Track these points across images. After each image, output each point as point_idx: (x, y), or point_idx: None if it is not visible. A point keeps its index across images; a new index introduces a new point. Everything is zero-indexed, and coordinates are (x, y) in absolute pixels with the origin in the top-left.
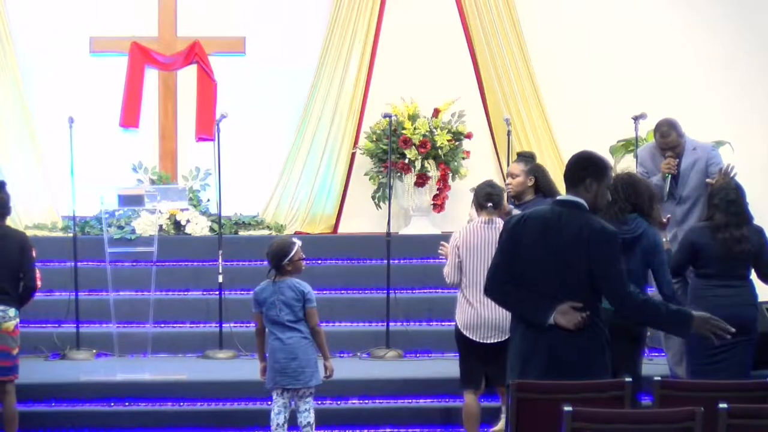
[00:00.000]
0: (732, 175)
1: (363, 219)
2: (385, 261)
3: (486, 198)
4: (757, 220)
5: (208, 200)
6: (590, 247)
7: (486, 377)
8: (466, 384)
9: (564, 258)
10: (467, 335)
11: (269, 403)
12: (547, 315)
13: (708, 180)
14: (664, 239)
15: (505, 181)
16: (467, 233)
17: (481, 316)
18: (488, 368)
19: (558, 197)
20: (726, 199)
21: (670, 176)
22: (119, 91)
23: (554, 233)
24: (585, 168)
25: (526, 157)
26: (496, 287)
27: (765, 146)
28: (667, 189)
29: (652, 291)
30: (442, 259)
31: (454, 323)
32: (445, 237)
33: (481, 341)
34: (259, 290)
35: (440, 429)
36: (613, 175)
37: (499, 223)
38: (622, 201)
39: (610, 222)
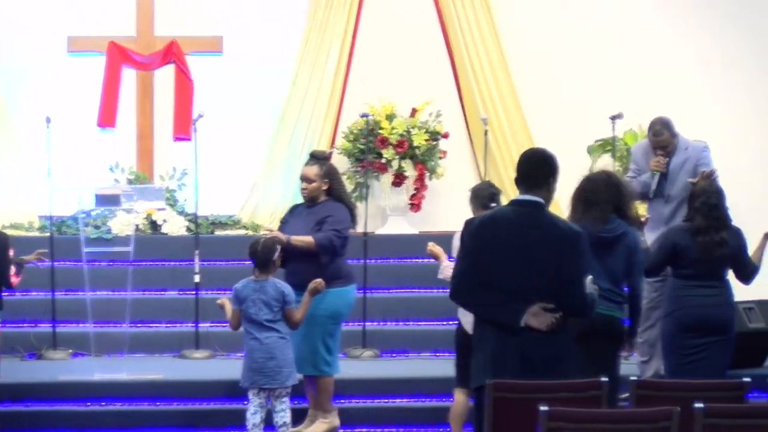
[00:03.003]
0: (714, 178)
1: None
2: (362, 261)
3: (490, 198)
4: (738, 221)
5: (185, 200)
6: (559, 246)
7: None
8: (463, 383)
9: (533, 258)
10: None
11: (245, 403)
12: (519, 317)
13: (690, 180)
14: (642, 238)
15: (301, 184)
16: None
17: None
18: None
19: (516, 197)
20: (707, 203)
21: (658, 174)
22: (97, 90)
23: (521, 234)
24: (547, 168)
25: (320, 159)
26: (464, 291)
27: (744, 145)
28: (654, 187)
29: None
30: (419, 259)
31: (430, 323)
32: (423, 237)
33: None
34: (240, 287)
35: (417, 429)
36: (588, 174)
37: None
38: (604, 202)
39: (592, 223)
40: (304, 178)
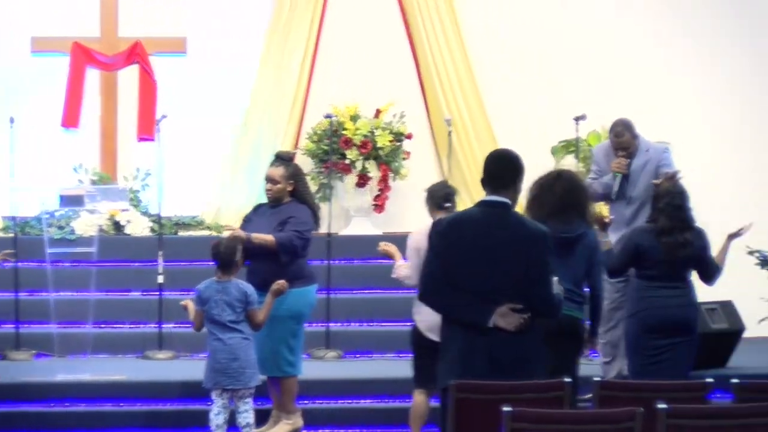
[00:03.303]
0: (678, 179)
1: None
2: (326, 261)
3: (445, 198)
4: (701, 221)
5: (149, 201)
6: (527, 247)
7: None
8: (421, 383)
9: (500, 259)
10: (430, 337)
11: (209, 403)
12: (487, 317)
13: (654, 181)
14: (605, 239)
15: (265, 185)
16: (427, 235)
17: None
18: None
19: (483, 198)
20: (671, 204)
21: (620, 176)
22: (61, 91)
23: (488, 234)
24: (513, 168)
25: (285, 160)
26: (433, 293)
27: (707, 146)
28: (616, 188)
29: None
30: (382, 260)
31: (394, 324)
32: (386, 238)
33: None
34: (203, 288)
35: (380, 429)
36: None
37: None
38: (569, 203)
39: (555, 223)
40: (269, 179)
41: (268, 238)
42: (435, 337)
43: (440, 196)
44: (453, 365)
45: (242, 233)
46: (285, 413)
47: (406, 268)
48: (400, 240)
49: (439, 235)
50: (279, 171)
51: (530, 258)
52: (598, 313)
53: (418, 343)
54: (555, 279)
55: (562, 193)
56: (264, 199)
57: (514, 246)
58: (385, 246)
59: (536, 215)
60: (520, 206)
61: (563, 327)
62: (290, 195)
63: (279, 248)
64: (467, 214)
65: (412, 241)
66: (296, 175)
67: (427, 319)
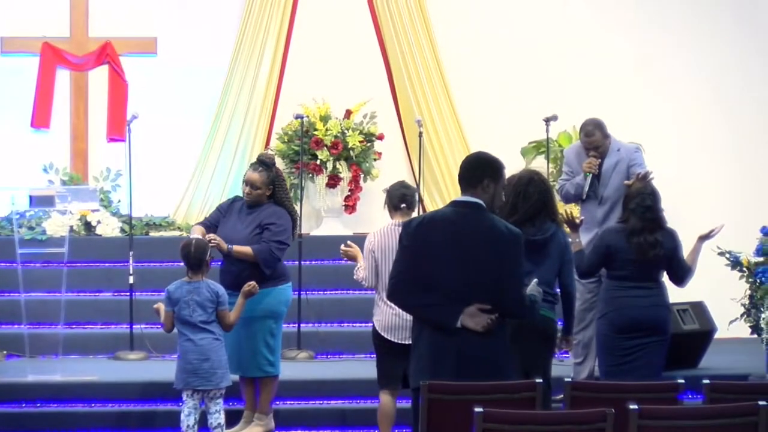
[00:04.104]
0: (649, 179)
1: None
2: (297, 262)
3: (400, 199)
4: (672, 222)
5: (119, 201)
6: (498, 248)
7: (404, 378)
8: (384, 384)
9: (471, 259)
10: (386, 336)
11: (180, 404)
12: (455, 318)
13: (625, 182)
14: (576, 239)
15: (243, 187)
16: (382, 236)
17: (401, 317)
18: (407, 369)
19: (456, 198)
20: (642, 204)
21: (591, 176)
22: (31, 91)
23: (461, 235)
24: (483, 169)
25: (267, 165)
26: (402, 292)
27: (678, 147)
28: (587, 188)
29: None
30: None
31: (366, 324)
32: (357, 238)
33: (400, 342)
34: (173, 289)
35: (352, 430)
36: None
37: None
38: (539, 204)
39: (527, 227)
40: (250, 184)
41: (248, 251)
42: (391, 336)
43: (396, 196)
44: (423, 365)
45: (224, 245)
46: (258, 414)
47: (363, 270)
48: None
49: (409, 235)
50: (261, 177)
51: (503, 259)
52: (571, 311)
53: (377, 343)
54: (534, 281)
55: (536, 198)
56: (236, 193)
57: (486, 247)
58: (347, 248)
59: (508, 219)
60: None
61: (536, 327)
62: (268, 198)
63: (261, 262)
64: (439, 214)
65: (367, 242)
66: (276, 180)
67: (383, 319)
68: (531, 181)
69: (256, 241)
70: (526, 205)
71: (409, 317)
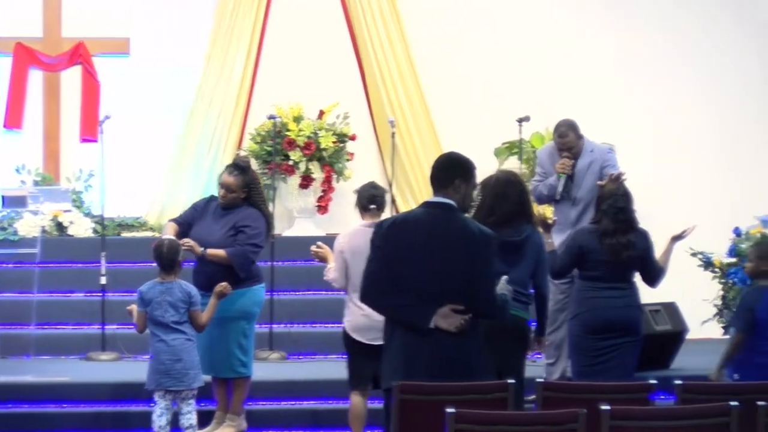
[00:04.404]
0: (622, 181)
1: None
2: (270, 263)
3: (369, 200)
4: (644, 223)
5: (92, 201)
6: (470, 248)
7: (375, 379)
8: (354, 385)
9: (443, 260)
10: (356, 337)
11: (152, 405)
12: (428, 319)
13: (598, 182)
14: (549, 240)
15: (219, 189)
16: (352, 237)
17: (371, 318)
18: (377, 369)
19: (428, 199)
20: (614, 206)
21: (565, 176)
22: (3, 91)
23: (433, 236)
24: (454, 169)
25: (242, 169)
26: (375, 293)
27: (651, 148)
28: (560, 189)
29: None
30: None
31: (338, 325)
32: (329, 239)
33: (370, 343)
34: (145, 289)
35: (324, 431)
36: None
37: None
38: (517, 206)
39: (504, 228)
40: (225, 186)
41: (222, 254)
42: (361, 337)
43: (365, 197)
44: (396, 366)
45: (198, 248)
46: (230, 415)
47: (333, 271)
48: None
49: (381, 235)
50: (236, 180)
51: (475, 260)
52: (544, 312)
53: (347, 344)
54: (503, 278)
55: (514, 199)
56: (209, 193)
57: (459, 248)
58: (318, 249)
59: (485, 221)
60: None
61: (509, 328)
62: (243, 200)
63: (235, 266)
64: (411, 215)
65: (337, 243)
66: (252, 183)
67: (353, 320)
68: (509, 183)
69: (230, 243)
70: (504, 206)
71: (379, 318)
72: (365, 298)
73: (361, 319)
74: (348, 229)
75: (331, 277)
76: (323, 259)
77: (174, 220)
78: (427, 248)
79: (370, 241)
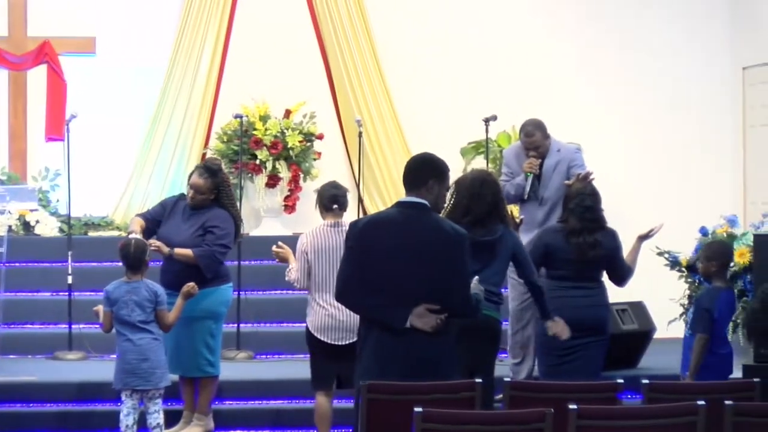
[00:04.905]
0: (590, 180)
1: None
2: (237, 262)
3: (331, 200)
4: (612, 222)
5: (58, 201)
6: (444, 248)
7: (338, 378)
8: (318, 385)
9: (418, 260)
10: (319, 337)
11: (119, 404)
12: (403, 318)
13: (566, 182)
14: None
15: (188, 190)
16: (314, 237)
17: (334, 318)
18: (340, 369)
19: (401, 199)
20: (582, 204)
21: (532, 176)
22: None
23: (407, 235)
24: (428, 170)
25: (213, 172)
26: (349, 293)
27: (618, 147)
28: (528, 189)
29: (506, 291)
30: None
31: (304, 325)
32: (296, 238)
33: (333, 343)
34: (111, 289)
35: (291, 431)
36: (465, 175)
37: (347, 225)
38: (491, 206)
39: (478, 228)
40: (195, 188)
41: (190, 254)
42: (324, 337)
43: (326, 197)
44: (371, 366)
45: (164, 249)
46: (197, 414)
47: (295, 271)
48: None
49: (355, 235)
50: (205, 183)
51: (449, 259)
52: (542, 300)
53: (310, 343)
54: (475, 279)
55: (489, 199)
56: (175, 192)
57: (432, 247)
58: (279, 249)
59: (459, 221)
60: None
61: (481, 327)
62: (212, 201)
63: (202, 266)
64: (384, 214)
65: (299, 243)
66: (222, 185)
67: (315, 320)
68: (484, 183)
69: (198, 243)
70: (479, 206)
71: (342, 318)
72: (340, 297)
73: (325, 319)
74: (310, 229)
75: (293, 278)
76: (284, 260)
77: (141, 215)
78: (401, 248)
79: (345, 241)
